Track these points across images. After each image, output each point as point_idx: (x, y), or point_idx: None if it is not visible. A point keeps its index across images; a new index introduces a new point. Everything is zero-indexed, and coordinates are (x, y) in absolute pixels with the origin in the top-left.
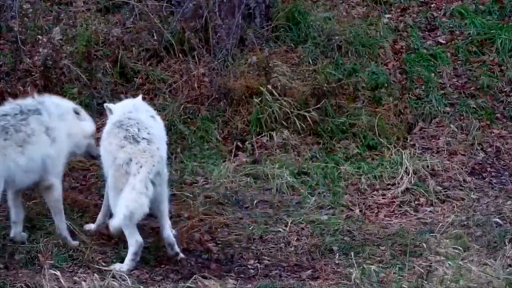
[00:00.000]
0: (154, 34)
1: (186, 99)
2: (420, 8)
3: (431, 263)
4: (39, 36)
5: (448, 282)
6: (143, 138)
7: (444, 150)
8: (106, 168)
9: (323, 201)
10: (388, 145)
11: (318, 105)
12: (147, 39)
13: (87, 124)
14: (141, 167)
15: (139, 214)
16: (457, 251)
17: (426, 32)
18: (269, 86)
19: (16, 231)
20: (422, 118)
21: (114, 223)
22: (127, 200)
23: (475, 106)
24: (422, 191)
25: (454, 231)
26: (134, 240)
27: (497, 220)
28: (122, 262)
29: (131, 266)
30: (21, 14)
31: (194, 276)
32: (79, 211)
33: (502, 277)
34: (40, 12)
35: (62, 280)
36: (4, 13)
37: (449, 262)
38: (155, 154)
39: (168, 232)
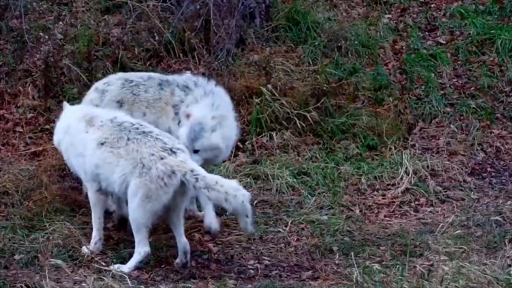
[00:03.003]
0: (154, 34)
1: None
2: (420, 8)
3: (431, 263)
4: (41, 33)
5: (448, 282)
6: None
7: (444, 150)
8: None
9: (323, 201)
10: (388, 145)
11: (318, 105)
12: (147, 39)
13: None
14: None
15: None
16: (457, 251)
17: (426, 32)
18: (269, 86)
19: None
20: (422, 118)
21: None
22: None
23: (475, 106)
24: (422, 191)
25: (454, 231)
26: (143, 250)
27: (498, 218)
28: (122, 262)
29: (131, 271)
30: (27, 14)
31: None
32: (79, 211)
33: (502, 277)
34: (43, 11)
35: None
36: (5, 13)
37: (449, 262)
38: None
39: (185, 238)
